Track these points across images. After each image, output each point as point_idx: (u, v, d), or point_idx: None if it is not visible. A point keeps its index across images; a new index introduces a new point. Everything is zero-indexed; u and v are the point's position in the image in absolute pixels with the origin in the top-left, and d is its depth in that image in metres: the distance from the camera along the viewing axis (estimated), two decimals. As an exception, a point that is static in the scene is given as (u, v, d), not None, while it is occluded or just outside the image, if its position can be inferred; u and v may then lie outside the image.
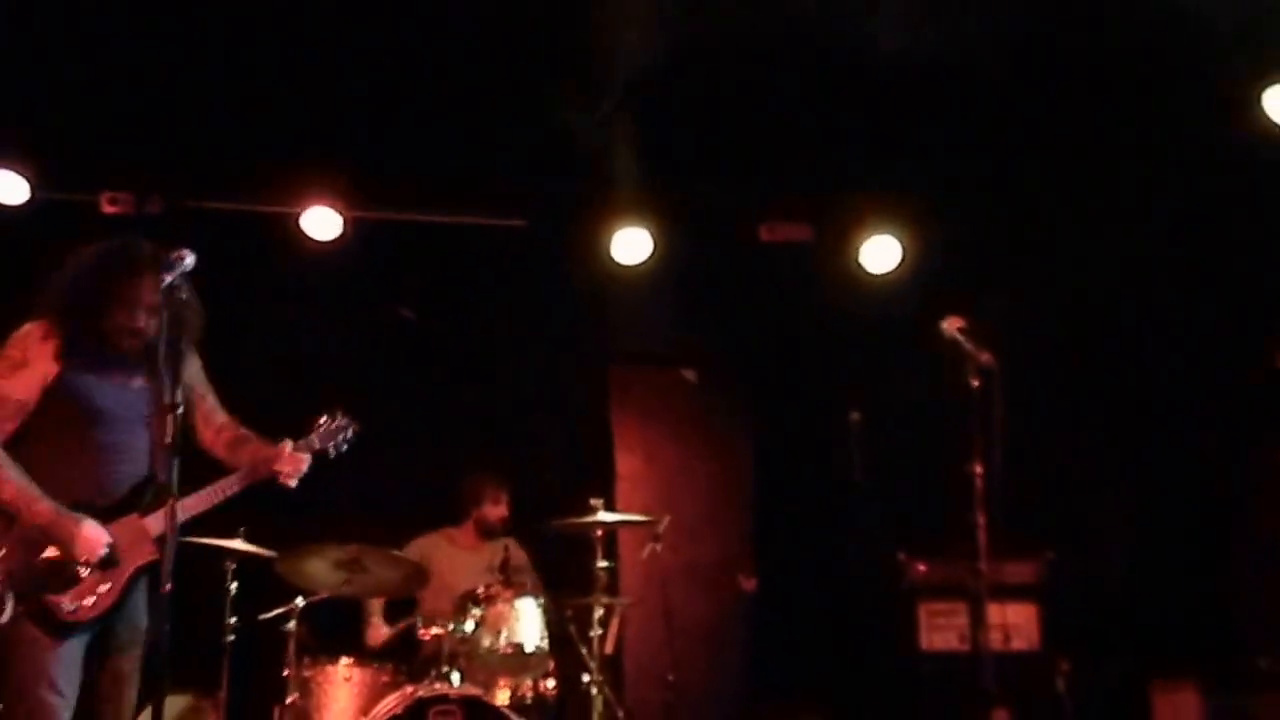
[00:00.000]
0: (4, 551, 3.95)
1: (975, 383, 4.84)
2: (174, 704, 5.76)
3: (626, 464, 8.16)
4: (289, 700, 5.72)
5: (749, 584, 8.03)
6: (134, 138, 6.84)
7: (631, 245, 7.44)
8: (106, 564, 4.02)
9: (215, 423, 4.47)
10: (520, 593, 6.05)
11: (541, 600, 6.11)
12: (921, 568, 7.23)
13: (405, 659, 6.14)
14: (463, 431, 7.48)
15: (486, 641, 5.90)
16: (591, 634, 6.23)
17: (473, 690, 5.71)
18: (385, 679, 5.84)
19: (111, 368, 4.11)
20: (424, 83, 6.60)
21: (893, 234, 7.50)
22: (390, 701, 5.57)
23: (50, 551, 3.97)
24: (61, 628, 3.96)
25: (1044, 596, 7.12)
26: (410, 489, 7.12)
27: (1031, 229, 7.46)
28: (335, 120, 6.72)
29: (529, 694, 6.02)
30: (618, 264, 7.49)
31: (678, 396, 8.40)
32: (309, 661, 5.83)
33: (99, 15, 6.05)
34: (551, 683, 6.12)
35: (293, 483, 4.41)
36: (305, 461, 4.43)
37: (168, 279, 3.88)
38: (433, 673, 5.82)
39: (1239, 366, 7.08)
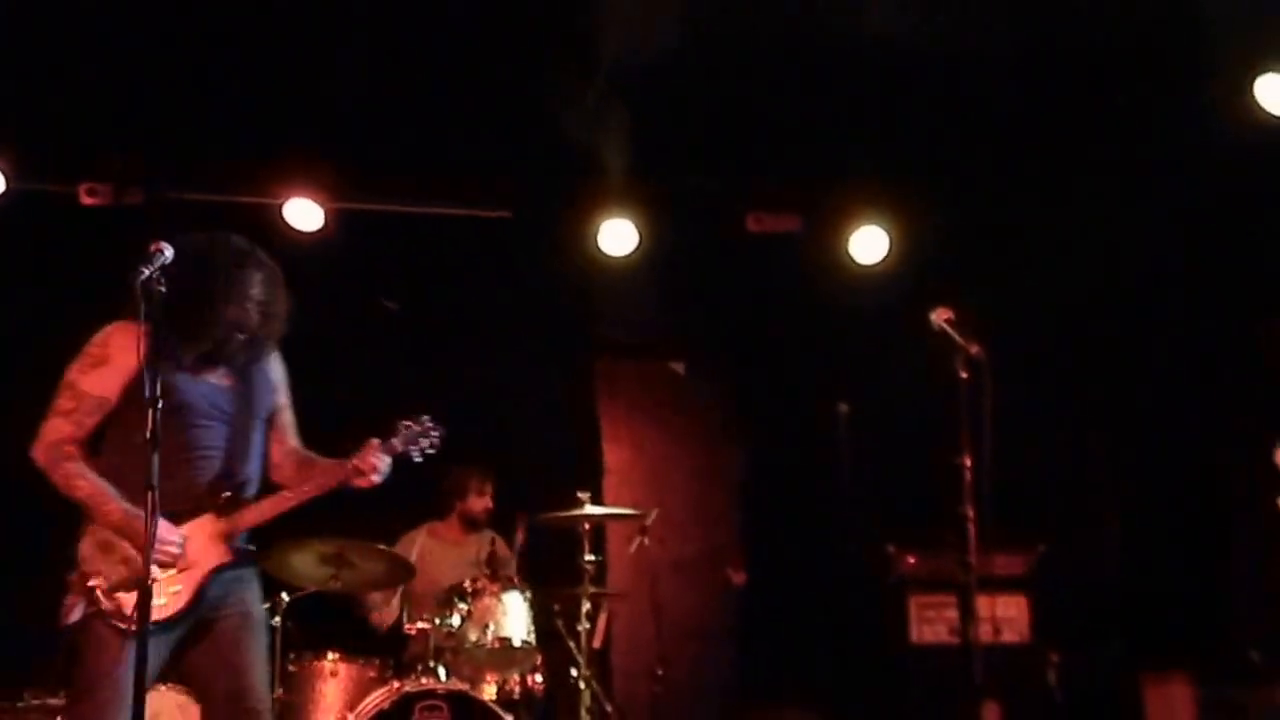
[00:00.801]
0: (79, 549, 3.99)
1: (964, 374, 4.82)
2: (160, 698, 5.73)
3: (614, 456, 8.19)
4: (275, 695, 5.66)
5: (738, 577, 8.04)
6: (113, 128, 6.79)
7: (618, 236, 7.41)
8: (180, 565, 4.01)
9: (287, 442, 4.43)
10: (507, 587, 6.03)
11: (528, 594, 6.08)
12: (911, 560, 7.24)
13: (392, 653, 6.11)
14: (448, 425, 7.41)
15: (473, 636, 5.90)
16: (579, 628, 6.26)
17: (459, 685, 5.72)
18: (372, 674, 5.84)
19: (199, 364, 4.11)
20: (407, 73, 6.56)
21: (881, 224, 7.48)
22: (377, 696, 5.57)
23: (125, 552, 3.95)
24: (132, 628, 3.89)
25: (1034, 589, 7.15)
26: (395, 482, 7.06)
27: (1020, 219, 7.42)
28: (317, 111, 6.67)
29: (516, 689, 6.03)
30: (604, 255, 7.46)
31: (665, 388, 8.42)
32: (295, 656, 5.83)
33: (78, 5, 6.02)
34: (539, 677, 6.13)
35: (377, 479, 4.32)
36: (385, 462, 4.33)
37: (145, 272, 3.79)
38: (419, 668, 5.84)
39: (1231, 356, 7.09)
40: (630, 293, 7.83)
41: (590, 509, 6.30)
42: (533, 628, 6.03)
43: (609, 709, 6.46)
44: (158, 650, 3.93)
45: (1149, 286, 7.50)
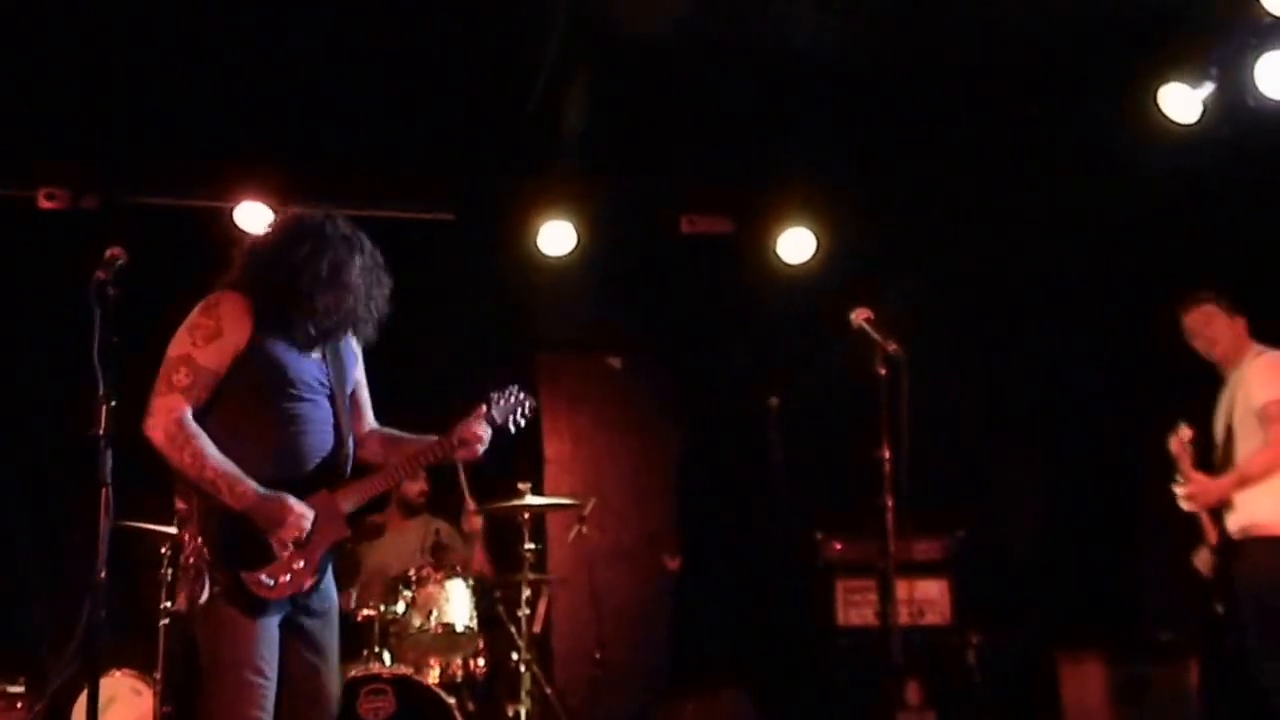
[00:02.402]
0: (199, 530, 3.89)
1: (883, 371, 5.03)
2: (115, 682, 5.88)
3: (554, 448, 8.24)
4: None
5: (673, 563, 8.12)
6: (70, 134, 6.85)
7: (557, 237, 7.54)
8: (302, 541, 3.96)
9: (366, 418, 4.37)
10: (450, 574, 6.17)
11: (471, 580, 6.22)
12: (838, 546, 7.40)
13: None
14: (393, 418, 7.55)
15: (417, 622, 6.04)
16: (520, 613, 6.38)
17: (404, 669, 5.85)
18: (317, 659, 5.97)
19: (296, 340, 4.05)
20: (353, 78, 6.65)
21: (808, 226, 7.65)
22: (323, 681, 5.71)
23: (246, 528, 3.89)
24: (259, 605, 3.88)
25: (955, 572, 7.31)
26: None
27: (939, 221, 7.64)
28: (267, 116, 6.74)
29: (459, 672, 6.17)
30: (544, 255, 7.59)
31: (603, 383, 8.48)
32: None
33: (31, 11, 6.04)
34: (481, 661, 6.27)
35: (481, 448, 4.31)
36: (488, 433, 4.33)
37: (101, 276, 3.87)
38: (365, 653, 5.97)
39: (1138, 350, 7.33)
40: (569, 291, 7.92)
41: (531, 499, 6.40)
42: (475, 613, 6.15)
43: (549, 691, 6.56)
44: (276, 627, 3.93)
45: (1060, 283, 7.71)
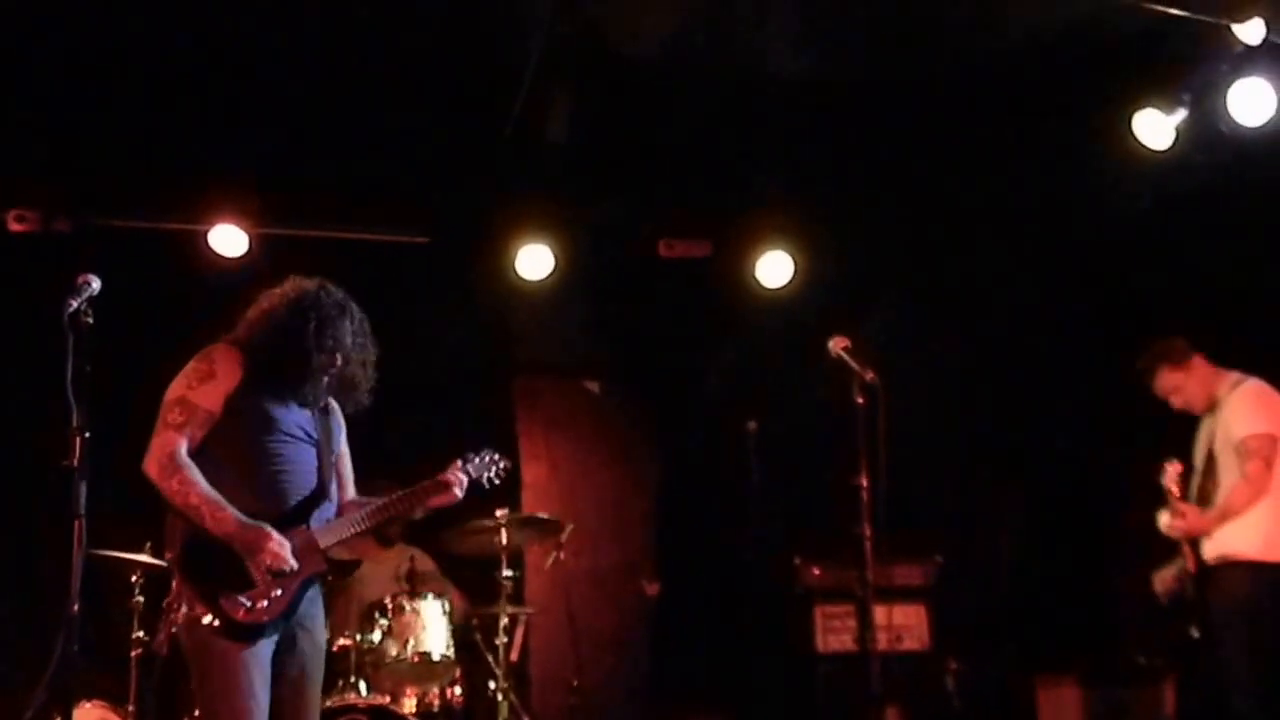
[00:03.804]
0: (185, 565, 4.08)
1: (861, 400, 5.03)
2: (85, 714, 5.81)
3: (531, 473, 8.21)
4: (197, 712, 5.74)
5: (651, 589, 8.13)
6: (41, 156, 6.80)
7: (535, 261, 7.53)
8: (280, 571, 4.12)
9: (348, 493, 4.59)
10: (428, 601, 6.12)
11: (448, 608, 6.18)
12: (816, 572, 7.42)
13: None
14: (369, 443, 7.52)
15: (393, 651, 5.99)
16: (497, 642, 6.32)
17: (380, 700, 5.81)
18: (293, 690, 5.91)
19: (284, 390, 4.29)
20: (329, 101, 6.64)
21: (786, 250, 7.65)
22: (298, 712, 5.65)
23: (222, 553, 4.06)
24: (242, 631, 4.04)
25: (933, 598, 7.37)
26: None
27: (917, 245, 7.68)
28: (241, 138, 6.72)
29: (436, 701, 6.14)
30: (522, 279, 7.57)
31: (581, 407, 8.50)
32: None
33: (1, 34, 6.03)
34: (458, 690, 6.23)
35: (459, 493, 4.55)
36: (465, 481, 4.58)
37: (73, 304, 3.90)
38: (340, 683, 5.90)
39: (1114, 376, 7.36)
40: (547, 315, 7.93)
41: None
42: (451, 641, 6.11)
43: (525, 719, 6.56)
44: (265, 654, 4.11)
45: (1037, 311, 7.76)
